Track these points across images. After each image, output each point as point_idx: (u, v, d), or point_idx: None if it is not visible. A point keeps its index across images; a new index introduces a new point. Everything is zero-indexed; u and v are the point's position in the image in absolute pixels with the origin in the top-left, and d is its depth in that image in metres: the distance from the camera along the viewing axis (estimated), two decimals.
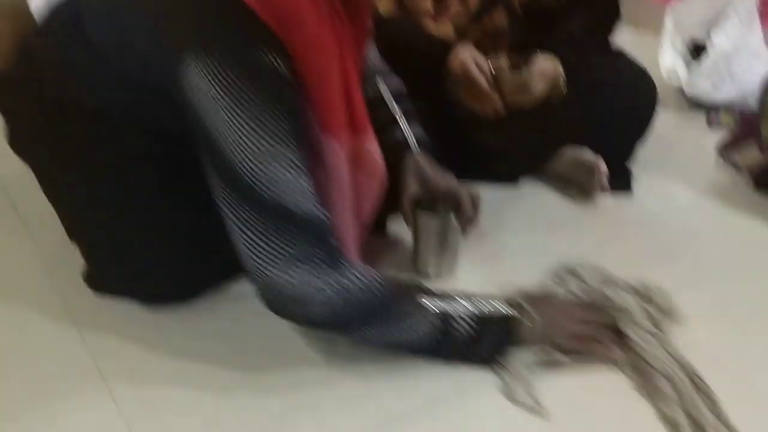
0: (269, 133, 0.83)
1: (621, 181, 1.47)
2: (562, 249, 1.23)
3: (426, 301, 0.94)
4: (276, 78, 0.83)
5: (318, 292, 0.88)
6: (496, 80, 1.32)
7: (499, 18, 1.42)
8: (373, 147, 1.05)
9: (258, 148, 0.83)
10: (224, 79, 0.81)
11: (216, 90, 0.81)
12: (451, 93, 1.36)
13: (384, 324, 0.93)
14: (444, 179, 1.16)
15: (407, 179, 1.16)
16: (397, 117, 1.18)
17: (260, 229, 0.86)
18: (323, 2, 0.87)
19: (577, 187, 1.44)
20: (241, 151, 0.83)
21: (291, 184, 0.85)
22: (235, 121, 0.82)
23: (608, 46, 1.53)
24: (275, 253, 0.86)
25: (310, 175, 0.87)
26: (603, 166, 1.39)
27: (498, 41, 1.42)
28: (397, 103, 1.19)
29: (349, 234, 1.00)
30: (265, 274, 0.87)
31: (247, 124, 0.82)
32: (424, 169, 1.16)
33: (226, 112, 0.82)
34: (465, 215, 1.14)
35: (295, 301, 0.89)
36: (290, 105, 0.85)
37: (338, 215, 0.95)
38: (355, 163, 1.00)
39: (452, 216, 1.12)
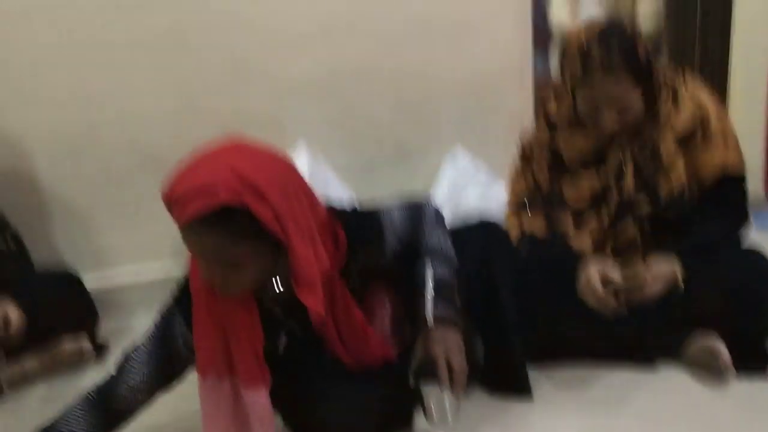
0: None
1: (756, 364, 1.58)
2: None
3: None
4: (166, 322, 1.38)
5: None
6: (617, 291, 1.57)
7: (630, 230, 1.68)
8: (257, 398, 1.32)
9: None
10: None
11: None
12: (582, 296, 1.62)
13: None
14: (439, 349, 1.30)
15: (416, 350, 1.35)
16: (426, 296, 1.36)
17: None
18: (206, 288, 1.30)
19: (707, 371, 1.58)
20: None
21: None
22: None
23: (739, 246, 1.69)
24: None
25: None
26: (724, 352, 1.53)
27: (630, 250, 1.70)
28: (437, 284, 1.37)
29: None
30: None
31: None
32: (431, 340, 1.31)
33: None
34: (444, 383, 1.28)
35: None
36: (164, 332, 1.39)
37: None
38: (237, 404, 1.34)
39: (431, 388, 1.30)
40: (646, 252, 1.68)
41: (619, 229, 1.70)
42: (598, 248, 1.71)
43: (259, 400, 1.34)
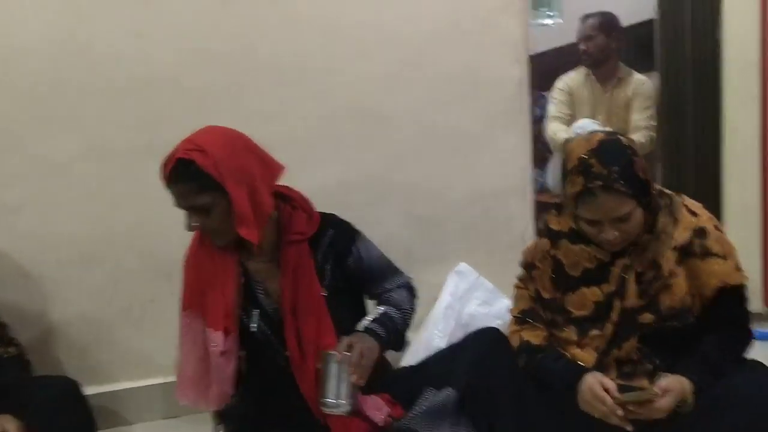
0: None
1: None
2: None
3: None
4: None
5: None
6: (621, 403, 1.54)
7: (630, 347, 1.68)
8: (217, 338, 1.64)
9: None
10: None
11: None
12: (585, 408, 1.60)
13: None
14: (359, 343, 1.62)
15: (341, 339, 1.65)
16: (369, 317, 1.75)
17: None
18: (198, 243, 1.73)
19: None
20: None
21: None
22: None
23: (742, 361, 1.69)
24: None
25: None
26: None
27: (632, 364, 1.69)
28: (382, 315, 1.77)
29: (189, 382, 1.69)
30: None
31: None
32: (353, 337, 1.65)
33: None
34: (340, 353, 1.57)
35: None
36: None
37: (184, 363, 1.70)
38: (206, 343, 1.66)
39: (333, 357, 1.55)
40: (648, 367, 1.68)
41: (622, 341, 1.70)
42: (601, 361, 1.71)
43: (216, 339, 1.65)
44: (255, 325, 1.70)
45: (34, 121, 2.19)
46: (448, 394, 1.67)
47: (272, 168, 1.67)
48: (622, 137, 1.70)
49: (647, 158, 3.49)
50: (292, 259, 1.69)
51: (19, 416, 1.80)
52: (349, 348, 1.61)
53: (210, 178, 1.56)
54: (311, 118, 2.36)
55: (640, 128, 3.52)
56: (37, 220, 2.22)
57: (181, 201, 1.61)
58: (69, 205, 2.24)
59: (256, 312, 1.70)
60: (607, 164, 1.58)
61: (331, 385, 1.53)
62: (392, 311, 1.79)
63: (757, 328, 2.55)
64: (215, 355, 1.66)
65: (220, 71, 2.28)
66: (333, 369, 1.54)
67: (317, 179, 2.27)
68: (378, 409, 1.64)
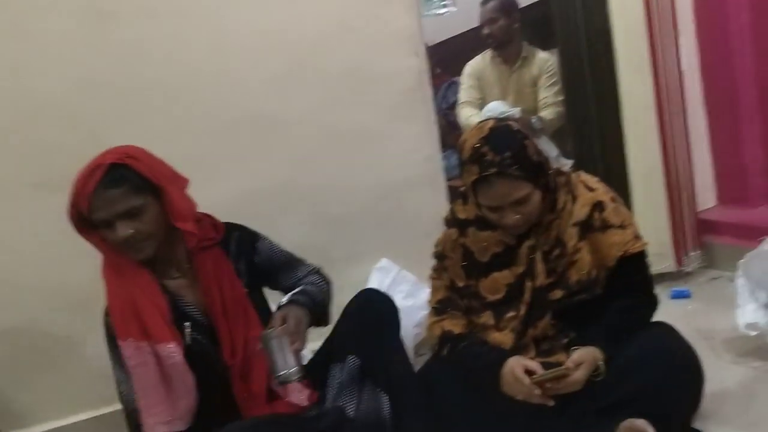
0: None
1: None
2: None
3: None
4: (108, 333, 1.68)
5: None
6: (538, 382, 1.59)
7: (545, 324, 1.73)
8: (170, 351, 1.62)
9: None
10: None
11: None
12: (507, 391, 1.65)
13: None
14: (286, 313, 1.68)
15: (271, 318, 1.70)
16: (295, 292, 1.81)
17: None
18: (115, 273, 1.66)
19: None
20: None
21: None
22: None
23: (649, 324, 1.75)
24: None
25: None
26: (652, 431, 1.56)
27: (549, 341, 1.74)
28: (302, 290, 1.82)
29: (156, 408, 1.62)
30: None
31: None
32: (280, 311, 1.71)
33: None
34: (274, 327, 1.62)
35: None
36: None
37: (142, 391, 1.62)
38: (159, 360, 1.62)
39: (271, 334, 1.59)
40: (564, 341, 1.73)
41: (536, 319, 1.74)
42: (519, 341, 1.75)
43: (171, 350, 1.63)
44: (190, 338, 1.69)
45: None
46: (351, 362, 1.76)
47: (180, 180, 1.71)
48: (512, 123, 1.73)
49: (559, 133, 3.60)
50: (209, 265, 1.73)
51: None
52: (283, 320, 1.66)
53: (145, 180, 1.59)
54: (209, 133, 2.32)
55: (549, 105, 3.60)
56: None
57: (114, 207, 1.58)
58: None
59: (187, 325, 1.69)
60: (499, 151, 1.61)
61: (278, 358, 1.57)
62: (309, 287, 1.85)
63: (671, 287, 2.68)
64: (176, 369, 1.64)
65: (109, 96, 2.22)
66: (275, 344, 1.58)
67: (222, 193, 2.24)
68: (299, 391, 1.72)
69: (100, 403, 2.22)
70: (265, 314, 1.79)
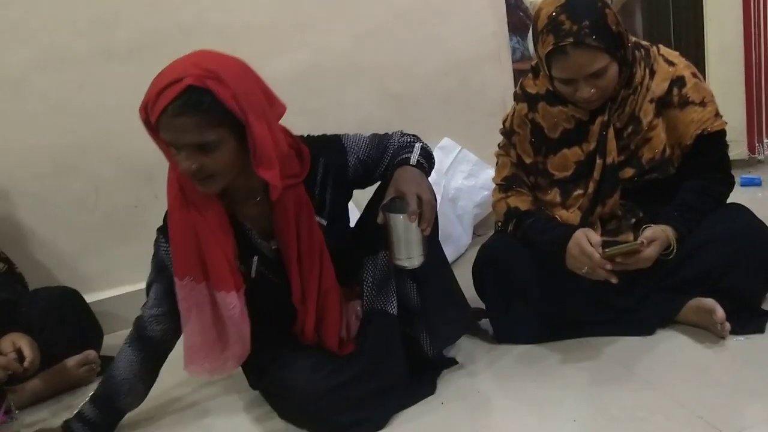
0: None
1: (754, 323, 1.63)
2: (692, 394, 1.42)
3: None
4: (156, 249, 1.56)
5: None
6: (609, 257, 1.56)
7: (614, 203, 1.70)
8: (229, 299, 1.49)
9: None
10: None
11: None
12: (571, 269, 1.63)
13: None
14: (410, 186, 1.46)
15: (388, 188, 1.50)
16: (413, 149, 1.57)
17: None
18: (181, 198, 1.48)
19: (704, 329, 1.62)
20: None
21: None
22: None
23: (723, 205, 1.72)
24: None
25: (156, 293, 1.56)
26: (720, 312, 1.57)
27: (617, 219, 1.72)
28: (422, 150, 1.59)
29: (201, 353, 1.54)
30: None
31: None
32: (402, 177, 1.50)
33: None
34: (414, 213, 1.41)
35: None
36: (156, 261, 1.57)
37: (191, 334, 1.53)
38: (214, 305, 1.51)
39: (402, 216, 1.40)
40: (632, 221, 1.70)
41: (605, 197, 1.71)
42: (586, 219, 1.72)
43: (231, 301, 1.50)
44: (256, 272, 1.58)
45: None
46: (382, 258, 1.61)
47: (276, 106, 1.46)
48: None
49: (626, 8, 3.41)
50: (290, 208, 1.51)
51: (26, 331, 1.83)
52: (418, 202, 1.45)
53: (227, 112, 1.33)
54: (275, 4, 2.27)
55: None
56: (2, 137, 2.17)
57: (183, 136, 1.34)
58: (34, 119, 2.19)
59: (255, 258, 1.56)
60: (577, 19, 1.54)
61: (402, 244, 1.44)
62: (417, 146, 1.61)
63: (741, 174, 2.59)
64: (233, 319, 1.52)
65: None
66: (401, 227, 1.43)
67: (285, 66, 2.23)
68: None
69: None
70: (348, 244, 1.65)
